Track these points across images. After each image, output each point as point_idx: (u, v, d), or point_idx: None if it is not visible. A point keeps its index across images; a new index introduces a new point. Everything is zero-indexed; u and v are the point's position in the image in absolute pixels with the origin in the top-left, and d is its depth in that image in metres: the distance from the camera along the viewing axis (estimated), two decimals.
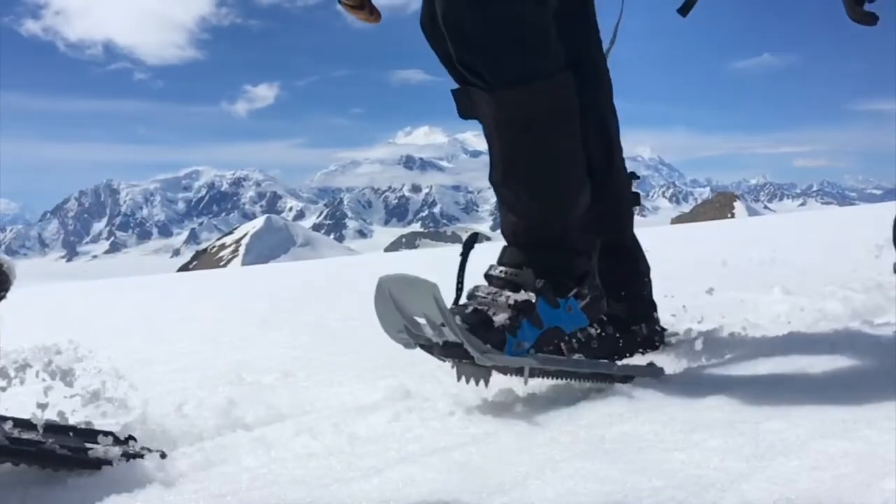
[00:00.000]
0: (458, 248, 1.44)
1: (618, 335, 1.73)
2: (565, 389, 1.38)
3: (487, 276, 1.39)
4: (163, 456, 1.14)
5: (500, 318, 1.29)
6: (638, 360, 1.60)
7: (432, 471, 0.94)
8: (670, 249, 6.10)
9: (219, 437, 1.29)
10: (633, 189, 1.82)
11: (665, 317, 1.88)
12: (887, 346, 1.43)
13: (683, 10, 1.67)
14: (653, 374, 1.40)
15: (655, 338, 1.77)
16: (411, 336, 1.26)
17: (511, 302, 1.32)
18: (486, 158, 1.50)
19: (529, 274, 1.34)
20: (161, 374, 2.13)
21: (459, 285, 1.36)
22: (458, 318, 1.24)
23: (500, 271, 1.38)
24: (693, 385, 1.31)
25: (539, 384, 1.42)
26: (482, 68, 1.36)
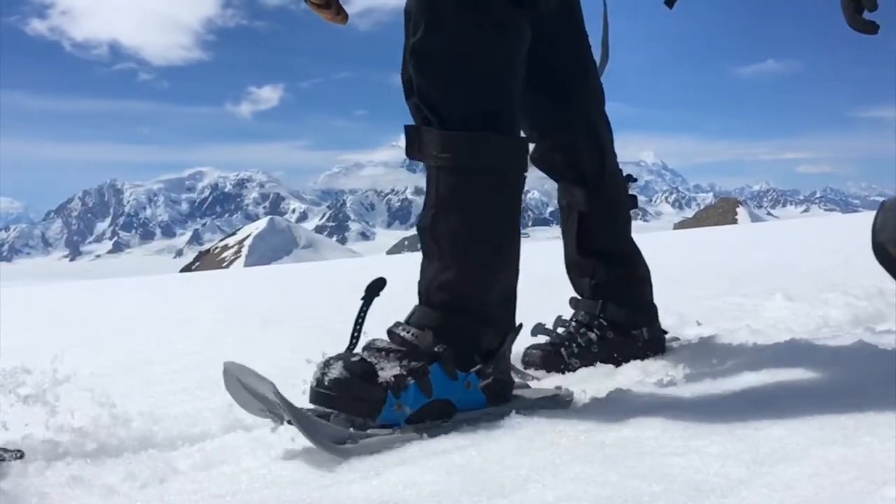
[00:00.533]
0: None
1: (618, 340, 1.73)
2: None
3: (390, 333, 1.28)
4: (21, 456, 1.09)
5: (387, 374, 1.19)
6: (546, 383, 1.56)
7: (432, 473, 0.94)
8: (673, 254, 6.11)
9: (219, 437, 1.29)
10: (631, 192, 1.82)
11: (666, 321, 1.88)
12: (888, 353, 1.43)
13: (670, 2, 1.67)
14: (560, 405, 1.30)
15: (657, 342, 1.78)
16: (274, 414, 1.18)
17: (404, 360, 1.21)
18: None
19: (429, 335, 1.23)
20: (162, 374, 2.14)
21: (355, 336, 1.22)
22: (341, 364, 1.16)
23: (403, 329, 1.26)
24: (693, 390, 1.30)
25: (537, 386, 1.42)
26: (438, 101, 1.28)
